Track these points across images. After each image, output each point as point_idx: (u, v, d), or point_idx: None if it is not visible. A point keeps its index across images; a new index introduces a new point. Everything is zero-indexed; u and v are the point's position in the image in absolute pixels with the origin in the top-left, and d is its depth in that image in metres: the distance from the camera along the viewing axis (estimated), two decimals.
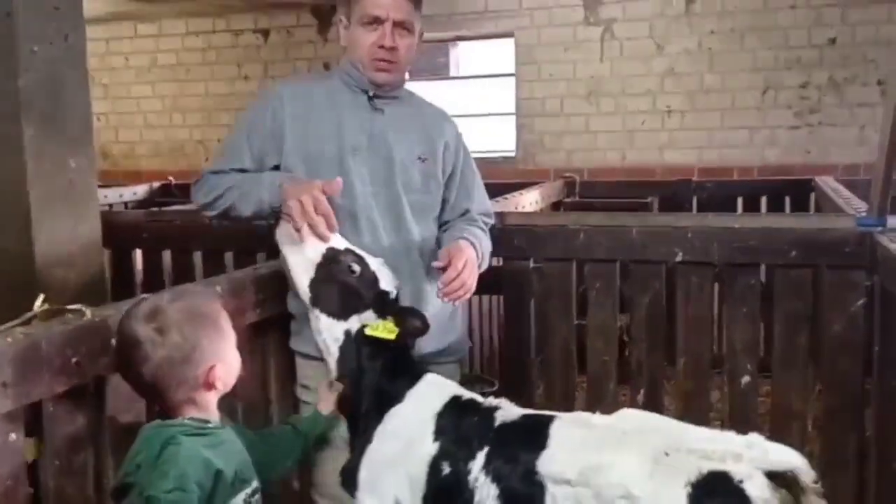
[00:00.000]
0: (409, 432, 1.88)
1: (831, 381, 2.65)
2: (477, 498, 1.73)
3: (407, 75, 2.41)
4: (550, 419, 1.78)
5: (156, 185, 6.40)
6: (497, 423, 1.82)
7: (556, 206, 5.36)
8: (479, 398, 1.96)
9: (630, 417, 1.77)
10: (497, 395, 1.99)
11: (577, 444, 1.68)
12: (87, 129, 3.10)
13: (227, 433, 1.66)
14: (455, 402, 1.92)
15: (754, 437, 1.59)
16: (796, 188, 5.20)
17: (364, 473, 1.90)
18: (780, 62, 6.12)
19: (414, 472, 1.82)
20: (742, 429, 1.74)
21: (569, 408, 2.94)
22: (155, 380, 1.55)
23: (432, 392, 1.95)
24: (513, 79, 6.80)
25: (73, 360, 1.63)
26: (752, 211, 5.21)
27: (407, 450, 1.86)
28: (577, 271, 2.97)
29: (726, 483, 1.49)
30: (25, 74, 2.81)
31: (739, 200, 5.34)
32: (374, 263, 2.03)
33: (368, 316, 1.98)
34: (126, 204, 5.93)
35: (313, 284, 1.99)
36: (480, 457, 1.76)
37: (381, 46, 2.19)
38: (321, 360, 2.07)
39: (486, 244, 2.39)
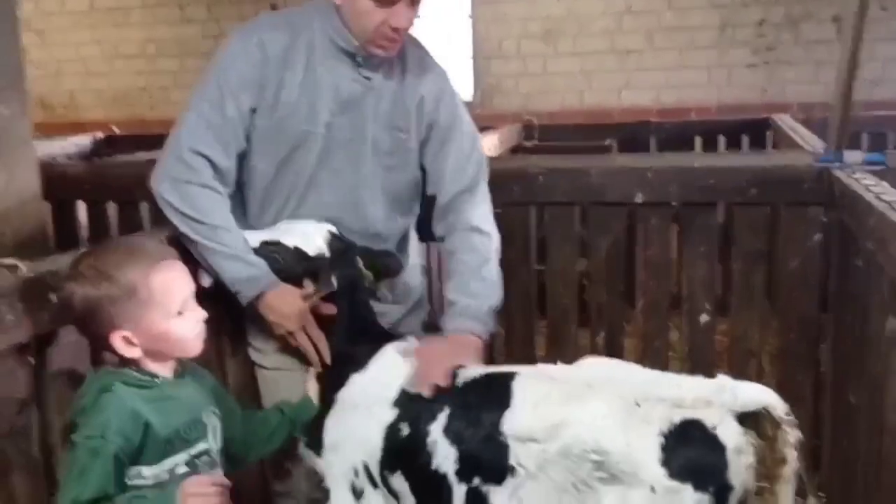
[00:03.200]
0: (368, 399, 1.85)
1: (788, 318, 2.68)
2: (435, 461, 1.70)
3: None
4: (512, 376, 1.73)
5: (100, 135, 6.14)
6: (459, 382, 1.78)
7: (514, 150, 5.29)
8: None
9: (594, 366, 1.72)
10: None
11: (541, 400, 1.63)
12: (18, 77, 2.92)
13: (180, 390, 1.61)
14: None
15: (723, 380, 1.56)
16: (753, 127, 5.21)
17: (328, 435, 1.88)
18: None
19: (372, 438, 1.80)
20: (700, 368, 1.73)
21: (529, 353, 2.94)
22: (75, 321, 1.56)
23: (395, 361, 1.90)
24: (469, 20, 6.65)
25: (8, 317, 1.55)
26: (711, 151, 5.21)
27: (365, 415, 1.83)
28: (537, 216, 2.93)
29: (700, 430, 1.48)
30: None
31: (698, 141, 5.34)
32: (284, 235, 2.00)
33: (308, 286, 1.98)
34: (69, 157, 5.69)
35: None
36: (441, 418, 1.72)
37: (392, 27, 1.93)
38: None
39: (482, 271, 2.06)
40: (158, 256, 1.58)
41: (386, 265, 2.08)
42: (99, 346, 1.59)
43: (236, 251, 1.95)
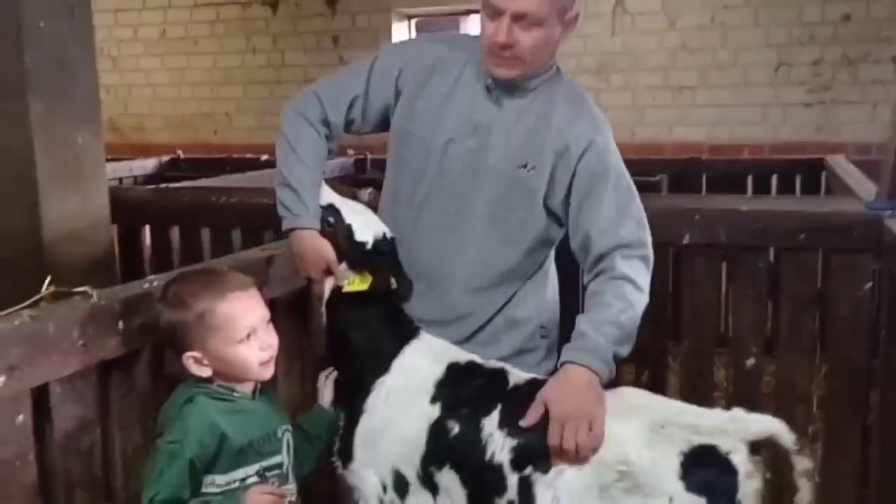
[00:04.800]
0: (401, 401, 1.90)
1: (837, 364, 2.65)
2: (490, 453, 1.79)
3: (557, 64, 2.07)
4: None
5: (164, 158, 6.40)
6: (510, 384, 1.90)
7: None
8: (479, 360, 1.97)
9: (629, 393, 1.90)
10: None
11: None
12: (94, 105, 3.11)
13: (256, 406, 1.74)
14: (454, 368, 1.94)
15: (737, 412, 1.74)
16: (807, 167, 5.16)
17: (359, 446, 1.92)
18: (793, 38, 6.02)
19: (413, 439, 1.86)
20: (747, 409, 1.77)
21: None
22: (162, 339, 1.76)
23: (427, 359, 1.95)
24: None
25: (80, 342, 1.65)
26: (763, 190, 5.17)
27: (404, 418, 1.88)
28: None
29: (715, 455, 1.66)
30: (32, 50, 2.80)
31: (749, 179, 5.30)
32: (351, 212, 2.01)
33: (343, 269, 1.97)
34: (135, 178, 5.94)
35: None
36: (495, 414, 1.82)
37: (498, 43, 1.89)
38: None
39: (621, 316, 1.88)
40: (232, 286, 1.71)
41: (406, 286, 2.04)
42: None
43: (298, 184, 2.02)
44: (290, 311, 2.39)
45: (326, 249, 1.98)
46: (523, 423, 1.77)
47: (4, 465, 1.51)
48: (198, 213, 3.74)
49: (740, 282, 2.75)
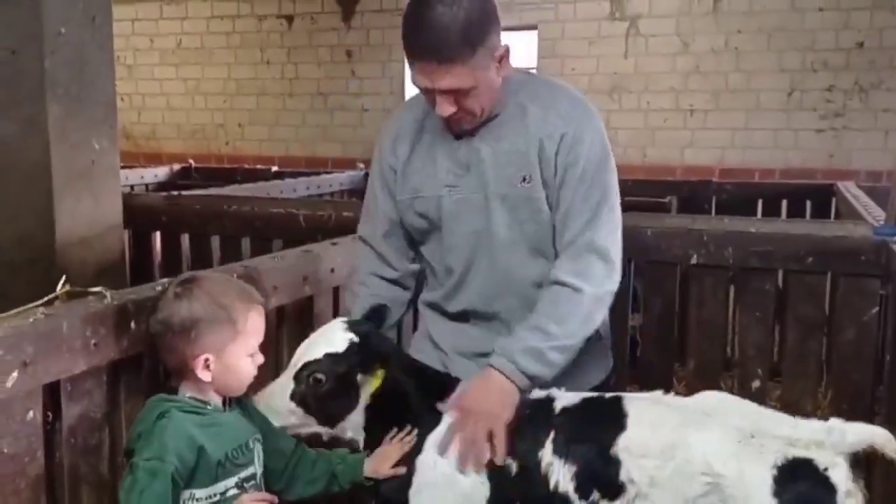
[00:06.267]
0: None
1: (841, 389, 2.65)
2: (553, 483, 1.70)
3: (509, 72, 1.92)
4: (621, 398, 1.76)
5: (176, 167, 6.45)
6: (557, 409, 1.77)
7: None
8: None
9: (709, 398, 1.75)
10: None
11: (658, 422, 1.67)
12: (111, 111, 3.14)
13: (228, 417, 1.70)
14: None
15: (834, 422, 1.59)
16: (818, 193, 5.16)
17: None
18: (806, 64, 6.07)
19: (474, 485, 1.75)
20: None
21: None
22: (155, 334, 1.65)
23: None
24: (534, 72, 6.79)
25: (93, 342, 1.66)
26: (772, 214, 5.17)
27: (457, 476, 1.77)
28: None
29: (812, 470, 1.53)
30: (52, 55, 2.85)
31: (759, 203, 5.30)
32: (315, 348, 1.85)
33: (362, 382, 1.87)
34: (147, 186, 5.99)
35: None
36: (548, 443, 1.72)
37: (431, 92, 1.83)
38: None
39: (549, 326, 1.83)
40: (256, 298, 1.72)
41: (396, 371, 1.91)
42: (175, 368, 1.67)
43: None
44: (297, 318, 2.41)
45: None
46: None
47: (14, 459, 1.53)
48: (208, 221, 3.77)
49: (747, 303, 2.76)
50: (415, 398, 1.88)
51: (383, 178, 2.05)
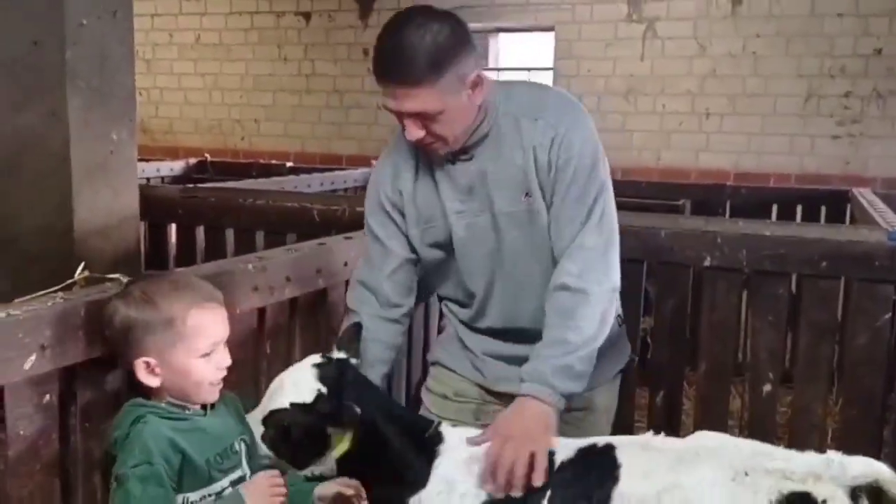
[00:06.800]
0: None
1: (853, 395, 2.64)
2: None
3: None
4: (612, 447, 1.71)
5: (192, 161, 6.50)
6: (556, 464, 1.72)
7: None
8: None
9: (703, 437, 1.74)
10: None
11: (650, 468, 1.64)
12: (130, 104, 3.17)
13: (209, 421, 1.63)
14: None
15: (833, 455, 1.57)
16: (833, 199, 5.13)
17: None
18: (824, 70, 6.03)
19: None
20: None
21: None
22: (109, 338, 1.61)
23: (459, 469, 1.77)
24: (551, 73, 6.79)
25: None
26: (787, 219, 5.15)
27: None
28: None
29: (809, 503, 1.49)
30: (73, 47, 2.88)
31: (774, 208, 5.28)
32: (280, 397, 1.76)
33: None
34: (163, 179, 6.04)
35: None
36: (545, 500, 1.68)
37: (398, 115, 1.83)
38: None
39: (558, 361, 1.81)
40: (204, 296, 1.62)
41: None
42: (127, 370, 1.63)
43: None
44: (310, 310, 2.43)
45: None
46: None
47: (29, 442, 1.55)
48: (223, 214, 3.80)
49: (760, 307, 2.75)
50: (396, 445, 1.79)
51: (388, 218, 2.03)
